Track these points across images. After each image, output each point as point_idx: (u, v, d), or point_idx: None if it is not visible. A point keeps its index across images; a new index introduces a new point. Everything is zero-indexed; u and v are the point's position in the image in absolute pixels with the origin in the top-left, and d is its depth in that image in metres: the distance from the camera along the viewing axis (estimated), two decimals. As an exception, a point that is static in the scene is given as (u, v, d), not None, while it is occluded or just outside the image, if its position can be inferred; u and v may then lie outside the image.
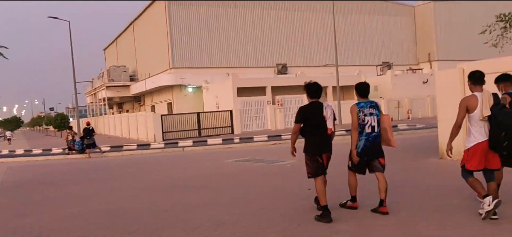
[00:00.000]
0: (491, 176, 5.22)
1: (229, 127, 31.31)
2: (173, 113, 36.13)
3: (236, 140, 24.63)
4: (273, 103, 32.73)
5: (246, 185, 9.00)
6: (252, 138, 24.62)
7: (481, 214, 5.08)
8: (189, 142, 24.54)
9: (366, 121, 5.63)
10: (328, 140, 5.69)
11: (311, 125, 5.62)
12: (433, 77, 42.13)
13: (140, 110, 46.78)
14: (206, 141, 24.41)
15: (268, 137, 24.55)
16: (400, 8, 49.30)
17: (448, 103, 9.53)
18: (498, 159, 5.13)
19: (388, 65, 45.45)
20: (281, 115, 32.61)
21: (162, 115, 30.11)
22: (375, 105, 5.75)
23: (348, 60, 42.83)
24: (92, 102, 58.95)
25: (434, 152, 10.97)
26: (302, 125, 5.68)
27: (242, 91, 32.63)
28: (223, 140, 24.94)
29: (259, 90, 33.76)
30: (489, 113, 4.98)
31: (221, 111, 32.04)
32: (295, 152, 5.86)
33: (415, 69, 44.57)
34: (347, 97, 37.22)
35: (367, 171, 5.86)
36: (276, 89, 33.88)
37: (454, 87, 9.35)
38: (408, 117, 35.89)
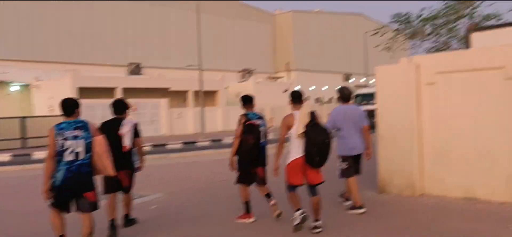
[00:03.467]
0: (313, 191, 5.40)
1: (67, 135, 25.20)
2: (-12, 117, 28.11)
3: (75, 154, 19.25)
4: (125, 108, 27.67)
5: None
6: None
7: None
8: (7, 156, 18.30)
9: (66, 146, 4.70)
10: (123, 157, 5.58)
11: (108, 141, 5.19)
12: (292, 86, 42.37)
13: None
14: (30, 155, 18.50)
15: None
16: (261, 15, 48.70)
17: (395, 112, 6.70)
18: (318, 174, 5.35)
19: (249, 72, 44.21)
20: (135, 123, 27.69)
21: (-32, 119, 22.55)
22: (84, 126, 4.76)
23: (209, 64, 39.94)
24: None
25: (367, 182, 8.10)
26: None
27: (85, 92, 26.88)
28: (56, 153, 19.35)
29: (108, 92, 28.34)
30: (302, 130, 5.19)
31: (56, 116, 25.56)
32: None
33: (275, 78, 44.23)
34: (208, 103, 34.61)
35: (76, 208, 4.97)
36: (129, 92, 28.97)
37: (405, 90, 6.52)
38: (271, 126, 34.74)
